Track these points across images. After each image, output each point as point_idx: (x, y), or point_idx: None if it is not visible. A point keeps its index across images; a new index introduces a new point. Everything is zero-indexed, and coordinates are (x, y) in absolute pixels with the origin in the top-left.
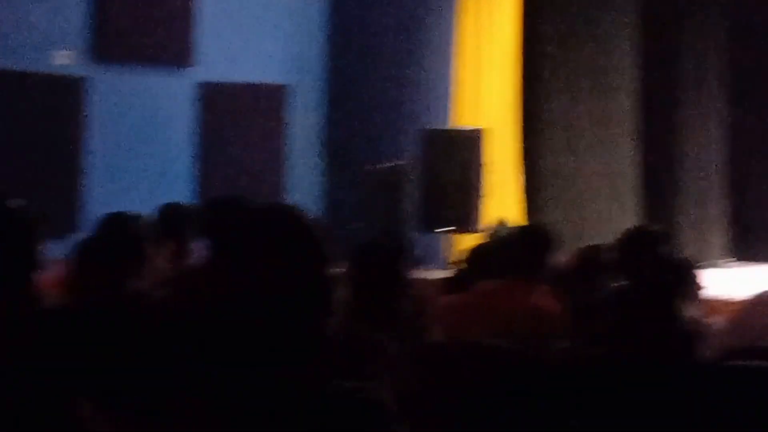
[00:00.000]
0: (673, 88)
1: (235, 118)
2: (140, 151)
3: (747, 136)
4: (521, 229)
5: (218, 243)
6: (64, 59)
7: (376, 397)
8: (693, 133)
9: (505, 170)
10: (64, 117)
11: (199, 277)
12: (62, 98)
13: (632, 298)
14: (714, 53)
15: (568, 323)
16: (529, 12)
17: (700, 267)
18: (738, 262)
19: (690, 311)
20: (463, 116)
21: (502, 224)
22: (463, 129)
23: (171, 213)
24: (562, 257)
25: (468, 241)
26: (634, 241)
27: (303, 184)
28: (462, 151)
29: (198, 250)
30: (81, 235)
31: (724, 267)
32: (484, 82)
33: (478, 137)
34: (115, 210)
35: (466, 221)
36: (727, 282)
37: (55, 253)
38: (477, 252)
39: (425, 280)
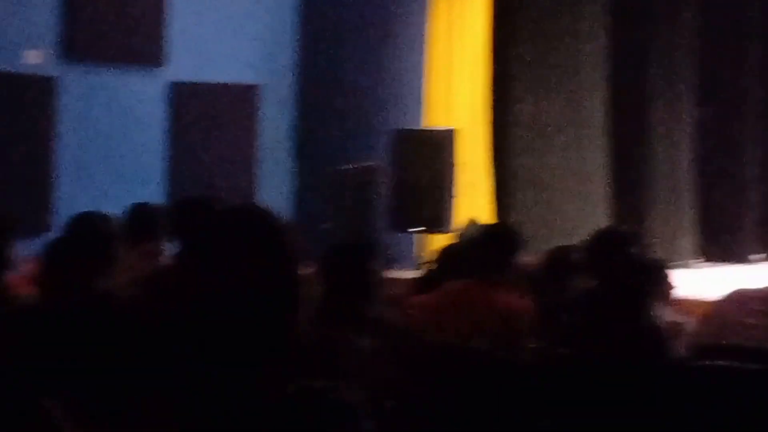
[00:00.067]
0: (644, 88)
1: (206, 118)
2: (111, 151)
3: (716, 136)
4: (487, 229)
5: (187, 243)
6: (34, 59)
7: (346, 397)
8: (663, 134)
9: (477, 170)
10: (35, 117)
11: (168, 277)
12: (33, 98)
13: (602, 298)
14: (684, 54)
15: (537, 323)
16: (501, 12)
17: (670, 267)
18: (707, 263)
19: (660, 311)
20: (435, 116)
21: (473, 224)
22: (434, 129)
23: (141, 213)
24: (532, 258)
25: (439, 242)
26: (604, 242)
27: (274, 184)
28: (433, 151)
29: (168, 250)
30: (52, 235)
31: (694, 267)
32: (455, 83)
33: (450, 137)
34: (85, 210)
35: (437, 221)
36: (696, 282)
37: (26, 252)
38: (447, 252)
39: (396, 281)
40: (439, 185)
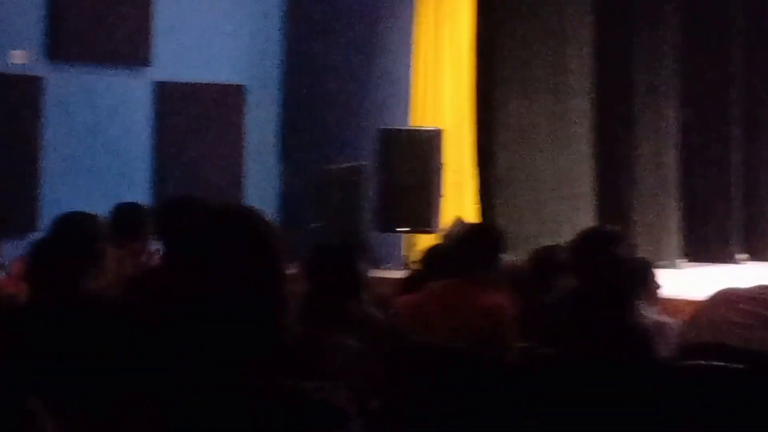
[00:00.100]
0: (629, 88)
1: (192, 118)
2: (97, 151)
3: (701, 136)
4: (470, 229)
5: (173, 243)
6: (20, 59)
7: (332, 397)
8: (648, 134)
9: (463, 170)
10: (21, 117)
11: (154, 277)
12: (19, 98)
13: (588, 298)
14: (668, 54)
15: (522, 322)
16: (486, 13)
17: (655, 267)
18: (692, 263)
19: (646, 311)
20: (421, 116)
21: (459, 224)
22: (421, 129)
23: (126, 213)
24: (518, 257)
25: (426, 241)
26: (589, 242)
27: (260, 184)
28: (420, 151)
29: (153, 250)
30: (38, 235)
31: (679, 267)
32: (441, 83)
33: (436, 137)
34: (71, 210)
35: (424, 221)
36: (682, 282)
37: (12, 252)
38: (432, 252)
39: (383, 280)
40: (426, 185)
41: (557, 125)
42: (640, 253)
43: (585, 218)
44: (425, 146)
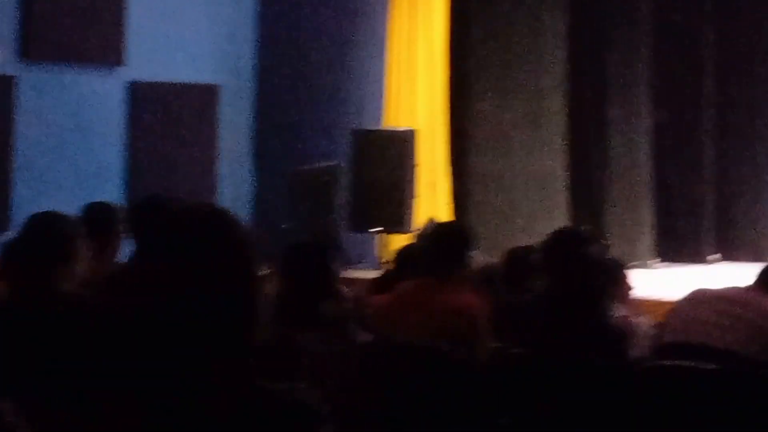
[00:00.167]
0: (602, 90)
1: (165, 118)
2: (70, 150)
3: (673, 138)
4: (438, 228)
5: (145, 243)
6: None
7: (304, 398)
8: (621, 135)
9: (437, 171)
10: None
11: (126, 277)
12: None
13: (560, 298)
14: (642, 56)
15: (494, 322)
16: (460, 14)
17: (627, 267)
18: (664, 263)
19: (618, 311)
20: (395, 117)
21: (432, 224)
22: (394, 129)
23: (98, 212)
24: (491, 258)
25: (399, 241)
26: (561, 242)
27: (234, 184)
28: (393, 151)
29: (125, 249)
30: (10, 235)
31: (651, 268)
32: (415, 83)
33: (410, 138)
34: (44, 210)
35: (397, 221)
36: (654, 282)
37: None
38: (405, 252)
39: (357, 280)
40: (399, 185)
41: (531, 126)
42: (613, 254)
43: (558, 218)
44: (399, 147)
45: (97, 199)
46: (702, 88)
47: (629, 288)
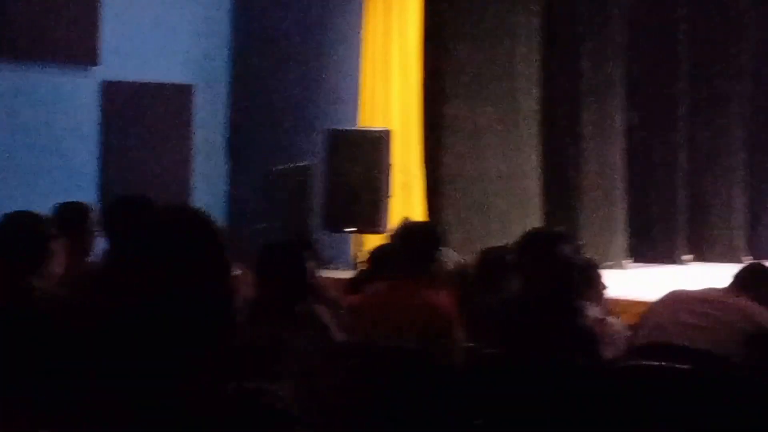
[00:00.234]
0: (576, 90)
1: (139, 118)
2: (43, 150)
3: (647, 138)
4: (405, 227)
5: (120, 243)
6: None
7: (278, 399)
8: (595, 136)
9: (411, 171)
10: None
11: (100, 277)
12: None
13: (533, 298)
14: (615, 57)
15: (467, 323)
16: (434, 14)
17: (601, 268)
18: (638, 263)
19: (591, 311)
20: (369, 117)
21: (402, 224)
22: (369, 130)
23: (70, 212)
24: (465, 258)
25: (374, 241)
26: (533, 243)
27: (208, 183)
28: (368, 151)
29: (99, 249)
30: None
31: (625, 268)
32: (390, 83)
33: (384, 138)
34: (17, 209)
35: (372, 221)
36: (628, 283)
37: None
38: (378, 252)
39: (331, 281)
40: (374, 185)
41: (504, 126)
42: (587, 254)
43: (532, 219)
44: (373, 147)
45: (71, 199)
46: (675, 90)
47: (603, 288)
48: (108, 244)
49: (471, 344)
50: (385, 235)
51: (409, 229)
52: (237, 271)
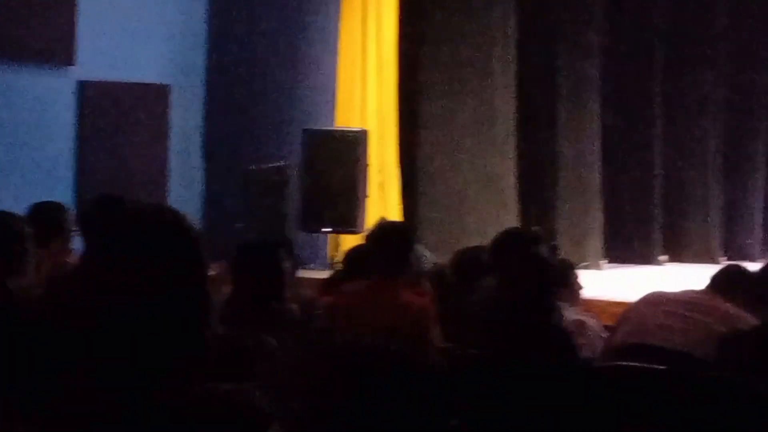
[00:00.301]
0: (552, 90)
1: (116, 118)
2: (19, 150)
3: (623, 138)
4: (378, 227)
5: (95, 243)
6: None
7: (254, 399)
8: (571, 135)
9: (388, 171)
10: None
11: (75, 277)
12: None
13: (508, 299)
14: (592, 57)
15: (443, 323)
16: (411, 14)
17: (577, 268)
18: (614, 264)
19: (567, 311)
20: (346, 117)
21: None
22: (346, 130)
23: (46, 212)
24: (441, 258)
25: (351, 242)
26: (508, 243)
27: (185, 184)
28: (345, 151)
29: (75, 249)
30: None
31: (601, 268)
32: (367, 83)
33: (362, 138)
34: None
35: (348, 222)
36: (604, 283)
37: None
38: (354, 252)
39: (308, 281)
40: (351, 186)
41: (481, 126)
42: (563, 254)
43: (509, 219)
44: (350, 147)
45: (47, 199)
46: (651, 90)
47: (579, 288)
48: (84, 245)
49: (447, 344)
50: (362, 235)
51: (383, 229)
52: (213, 271)
